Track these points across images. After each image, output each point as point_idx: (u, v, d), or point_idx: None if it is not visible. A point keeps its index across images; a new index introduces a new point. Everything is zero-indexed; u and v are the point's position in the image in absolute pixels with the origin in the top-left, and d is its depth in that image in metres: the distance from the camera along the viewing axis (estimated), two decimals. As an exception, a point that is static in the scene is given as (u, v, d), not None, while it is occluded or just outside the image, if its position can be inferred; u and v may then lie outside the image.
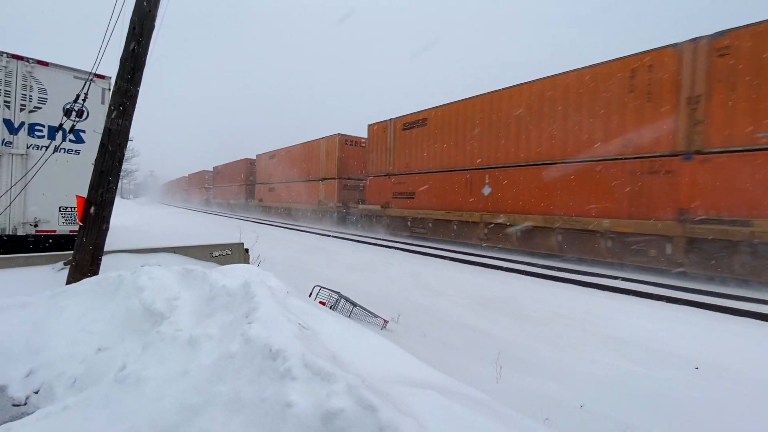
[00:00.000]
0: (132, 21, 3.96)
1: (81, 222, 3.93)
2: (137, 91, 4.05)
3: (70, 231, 5.86)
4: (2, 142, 5.39)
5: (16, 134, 5.50)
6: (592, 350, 4.31)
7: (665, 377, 3.66)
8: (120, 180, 4.30)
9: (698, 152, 7.87)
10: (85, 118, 5.85)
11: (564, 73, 10.18)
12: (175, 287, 2.81)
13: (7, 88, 5.41)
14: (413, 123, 15.10)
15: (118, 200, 4.54)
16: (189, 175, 57.37)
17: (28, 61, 5.56)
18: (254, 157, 31.82)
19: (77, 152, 5.92)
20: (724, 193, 7.51)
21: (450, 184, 13.40)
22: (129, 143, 4.29)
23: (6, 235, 5.46)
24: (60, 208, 5.85)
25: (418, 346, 3.96)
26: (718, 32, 7.74)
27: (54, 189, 5.75)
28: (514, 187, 11.25)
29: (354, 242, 13.79)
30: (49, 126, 5.73)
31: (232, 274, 3.20)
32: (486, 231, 11.93)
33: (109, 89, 5.99)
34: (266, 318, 2.00)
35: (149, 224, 15.49)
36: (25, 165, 5.52)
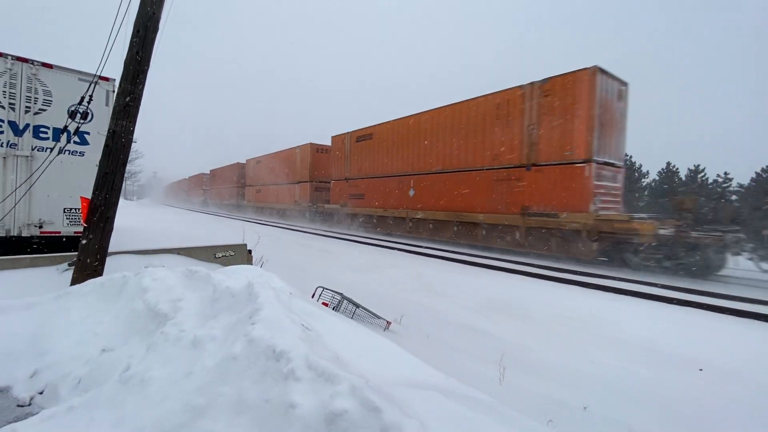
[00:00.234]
0: (136, 24, 3.99)
1: (85, 223, 3.95)
2: (141, 93, 4.07)
3: (75, 232, 5.89)
4: (7, 143, 5.43)
5: (21, 136, 5.53)
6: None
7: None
8: (124, 181, 4.32)
9: (534, 165, 10.96)
10: (90, 120, 5.89)
11: (459, 102, 13.33)
12: (179, 288, 2.81)
13: (12, 91, 5.44)
14: (363, 137, 18.36)
15: (121, 202, 4.56)
16: (189, 177, 59.55)
17: (33, 64, 5.60)
18: (244, 162, 34.63)
19: (82, 154, 5.95)
20: (546, 194, 10.62)
21: (388, 187, 16.72)
22: (133, 145, 4.31)
23: (11, 237, 5.49)
24: (64, 209, 5.88)
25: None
26: (544, 79, 10.79)
27: (58, 190, 5.78)
28: (427, 190, 14.66)
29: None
30: (53, 128, 5.76)
31: (236, 275, 3.21)
32: (410, 224, 15.53)
33: (113, 91, 6.02)
34: (270, 319, 2.00)
35: (147, 224, 15.87)
36: (29, 166, 5.55)
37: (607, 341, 4.54)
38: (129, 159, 4.24)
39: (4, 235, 5.44)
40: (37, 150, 5.65)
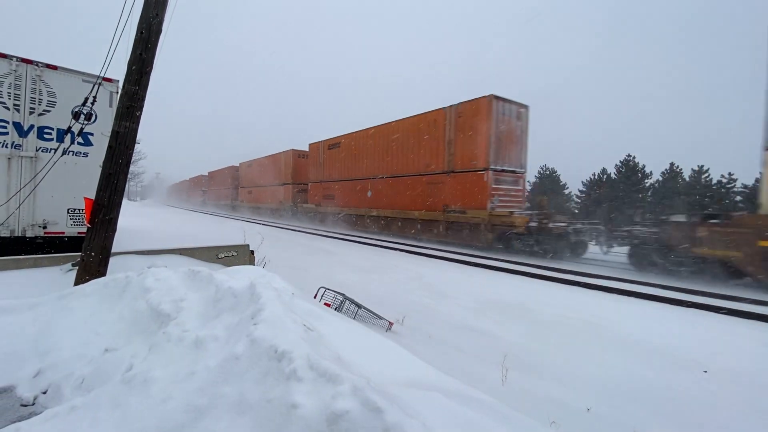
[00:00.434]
0: (139, 26, 4.01)
1: (89, 224, 3.97)
2: (144, 94, 4.09)
3: (78, 233, 5.91)
4: (12, 144, 5.46)
5: (25, 137, 5.56)
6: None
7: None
8: (127, 182, 4.34)
9: (452, 171, 13.92)
10: (94, 121, 5.91)
11: (403, 118, 16.27)
12: (182, 289, 2.82)
13: (17, 92, 5.47)
14: (333, 145, 21.43)
15: (124, 202, 4.58)
16: (190, 178, 61.29)
17: (37, 65, 5.63)
18: (238, 165, 37.56)
19: (85, 155, 5.98)
20: (459, 195, 13.53)
21: (352, 189, 19.73)
22: (136, 145, 4.33)
23: (15, 237, 5.52)
24: (68, 209, 5.91)
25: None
26: (459, 102, 13.64)
27: (62, 191, 5.81)
28: (380, 193, 17.68)
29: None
30: (57, 129, 5.79)
31: (238, 275, 3.22)
32: (368, 221, 18.35)
33: (117, 92, 6.05)
34: (272, 319, 2.00)
35: (146, 224, 16.05)
36: (34, 167, 5.58)
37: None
38: (132, 160, 4.25)
39: (8, 235, 5.47)
40: (42, 151, 5.68)
